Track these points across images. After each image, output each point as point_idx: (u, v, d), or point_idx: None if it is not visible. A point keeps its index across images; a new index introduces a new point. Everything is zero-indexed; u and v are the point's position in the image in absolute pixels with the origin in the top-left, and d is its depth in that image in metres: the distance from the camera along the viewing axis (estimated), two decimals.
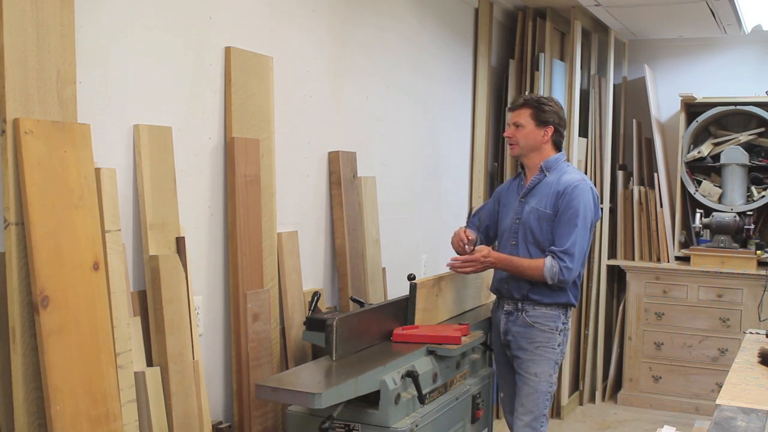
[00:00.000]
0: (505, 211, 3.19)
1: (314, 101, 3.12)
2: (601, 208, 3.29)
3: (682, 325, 5.16)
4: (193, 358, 2.37)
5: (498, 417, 4.66)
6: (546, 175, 3.08)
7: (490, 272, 3.52)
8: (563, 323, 3.08)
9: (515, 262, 3.01)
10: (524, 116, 3.06)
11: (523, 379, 3.06)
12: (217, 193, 2.63)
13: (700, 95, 5.29)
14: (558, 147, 3.12)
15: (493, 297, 3.62)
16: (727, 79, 5.46)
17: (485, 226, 3.31)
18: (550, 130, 3.07)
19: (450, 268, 3.09)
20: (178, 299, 2.32)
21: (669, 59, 5.68)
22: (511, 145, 3.13)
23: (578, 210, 2.97)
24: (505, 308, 3.13)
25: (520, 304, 3.08)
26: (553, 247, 2.98)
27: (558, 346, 3.06)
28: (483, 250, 3.02)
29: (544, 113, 3.06)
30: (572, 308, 3.13)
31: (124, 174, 2.25)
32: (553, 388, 3.08)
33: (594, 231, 3.58)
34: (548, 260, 2.96)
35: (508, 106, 3.20)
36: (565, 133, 3.33)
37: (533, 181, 3.10)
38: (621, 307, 5.45)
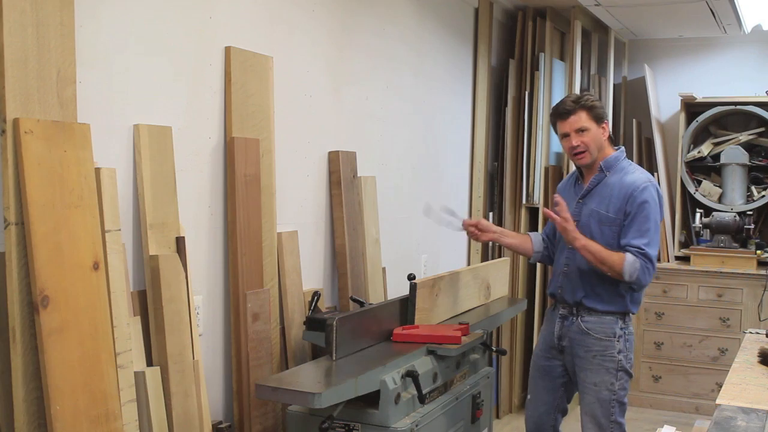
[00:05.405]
0: None
1: (314, 101, 3.12)
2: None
3: (682, 325, 5.15)
4: (193, 358, 2.37)
5: (498, 417, 4.66)
6: (606, 175, 2.92)
7: (493, 271, 3.52)
8: (621, 329, 2.90)
9: (594, 245, 2.80)
10: (584, 119, 2.87)
11: (584, 386, 2.96)
12: (217, 192, 2.63)
13: (700, 95, 5.29)
14: (611, 140, 2.98)
15: (495, 296, 3.63)
16: (727, 79, 5.46)
17: (545, 233, 3.21)
18: (606, 125, 2.94)
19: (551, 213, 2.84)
20: (178, 299, 2.32)
21: (669, 59, 5.68)
22: (580, 153, 2.90)
23: (650, 214, 2.82)
24: (560, 312, 3.03)
25: (574, 309, 2.97)
26: (632, 243, 2.78)
27: (618, 353, 2.89)
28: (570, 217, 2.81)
29: (597, 109, 2.89)
30: (632, 315, 2.95)
31: (124, 174, 2.25)
32: (618, 395, 2.90)
33: None
34: (630, 256, 2.77)
35: (555, 113, 2.96)
36: None
37: (593, 182, 2.95)
38: None
